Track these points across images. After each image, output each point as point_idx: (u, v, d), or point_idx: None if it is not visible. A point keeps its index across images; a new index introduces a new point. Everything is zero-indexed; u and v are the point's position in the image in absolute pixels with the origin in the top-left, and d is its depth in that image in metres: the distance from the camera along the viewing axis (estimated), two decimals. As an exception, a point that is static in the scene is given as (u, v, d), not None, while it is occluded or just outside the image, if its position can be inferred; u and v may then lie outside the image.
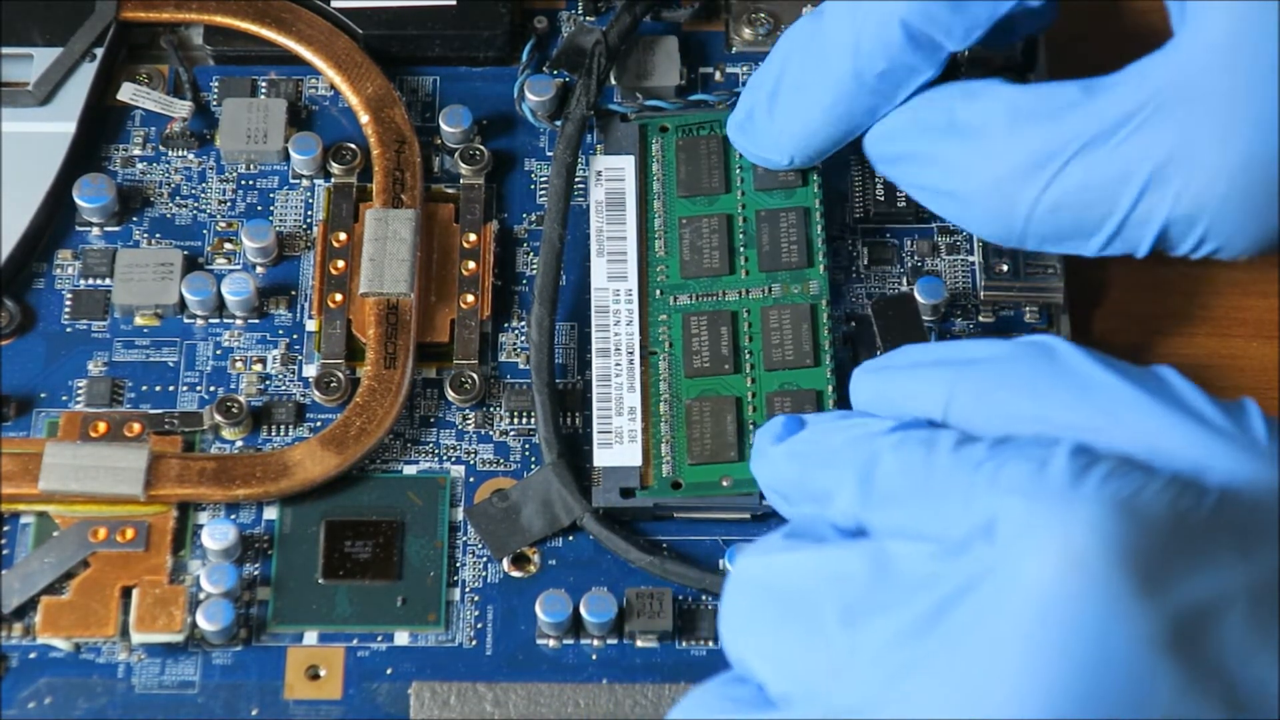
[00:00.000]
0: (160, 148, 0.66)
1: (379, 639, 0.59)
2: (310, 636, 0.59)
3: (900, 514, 0.51)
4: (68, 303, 0.64)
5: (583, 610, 0.59)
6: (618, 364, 0.62)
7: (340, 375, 0.62)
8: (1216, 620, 0.47)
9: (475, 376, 0.63)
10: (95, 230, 0.65)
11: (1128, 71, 0.55)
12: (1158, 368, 0.52)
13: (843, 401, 0.61)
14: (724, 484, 0.60)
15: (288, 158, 0.66)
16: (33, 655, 0.59)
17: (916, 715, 0.47)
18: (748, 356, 0.62)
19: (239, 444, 0.62)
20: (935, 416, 0.54)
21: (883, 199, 0.66)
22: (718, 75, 0.68)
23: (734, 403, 0.61)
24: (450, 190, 0.66)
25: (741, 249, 0.63)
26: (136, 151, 0.66)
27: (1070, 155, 0.56)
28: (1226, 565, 0.47)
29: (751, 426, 0.61)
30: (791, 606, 0.50)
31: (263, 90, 0.67)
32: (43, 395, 0.62)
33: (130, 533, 0.60)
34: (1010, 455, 0.49)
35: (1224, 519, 0.48)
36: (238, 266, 0.65)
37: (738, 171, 0.64)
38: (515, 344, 0.64)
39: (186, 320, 0.64)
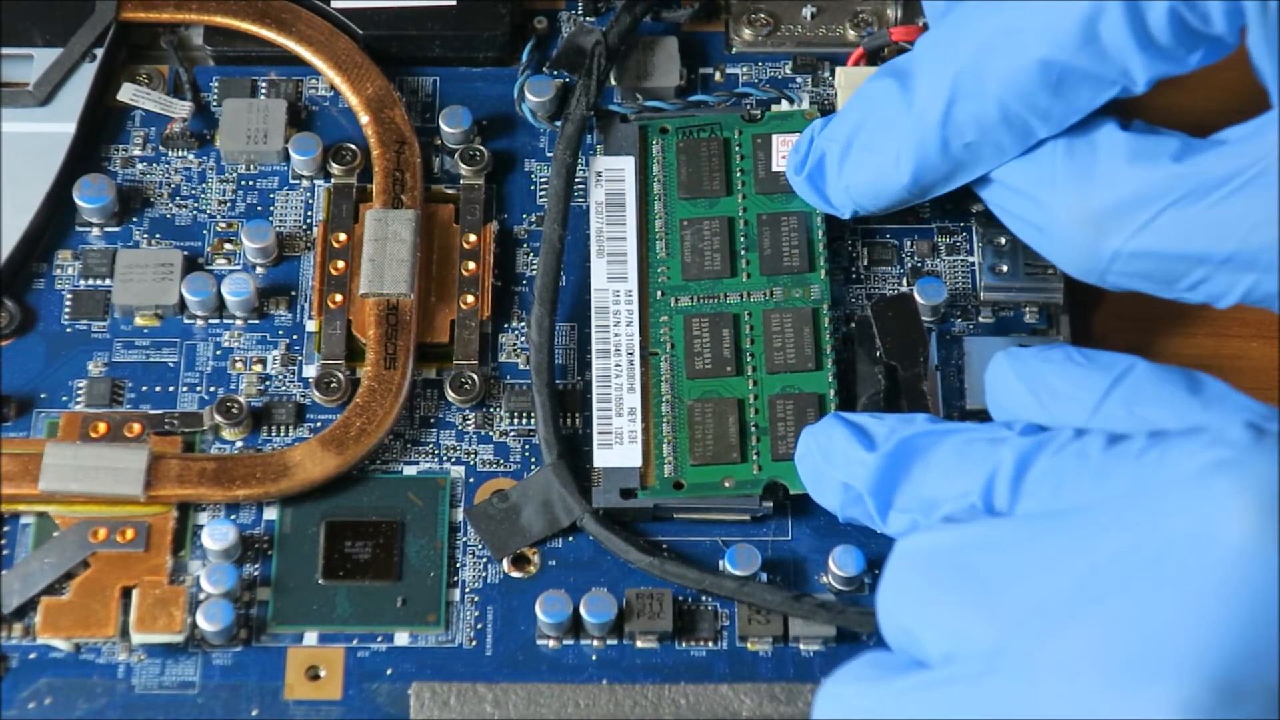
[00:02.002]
0: (160, 148, 0.66)
1: (379, 639, 0.59)
2: (310, 637, 0.59)
3: (1057, 508, 0.51)
4: (68, 303, 0.64)
5: (583, 611, 0.59)
6: (618, 365, 0.62)
7: (340, 376, 0.62)
8: None
9: (475, 377, 0.63)
10: (95, 230, 0.65)
11: (1233, 132, 0.55)
12: None
13: (845, 404, 0.61)
14: (726, 485, 0.60)
15: (288, 158, 0.66)
16: (33, 655, 0.59)
17: (1089, 654, 0.47)
18: (749, 359, 0.62)
19: (239, 444, 0.62)
20: (1079, 419, 0.54)
21: (883, 199, 0.66)
22: (718, 75, 0.68)
23: (736, 405, 0.61)
24: (450, 190, 0.66)
25: (743, 252, 0.63)
26: (136, 152, 0.66)
27: (1164, 206, 0.55)
28: None
29: (754, 429, 0.61)
30: (954, 572, 0.50)
31: (263, 90, 0.67)
32: (43, 395, 0.62)
33: (130, 533, 0.60)
34: (1173, 441, 0.49)
35: None
36: (238, 267, 0.65)
37: (739, 175, 0.65)
38: (515, 344, 0.64)
39: (186, 320, 0.64)
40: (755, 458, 0.60)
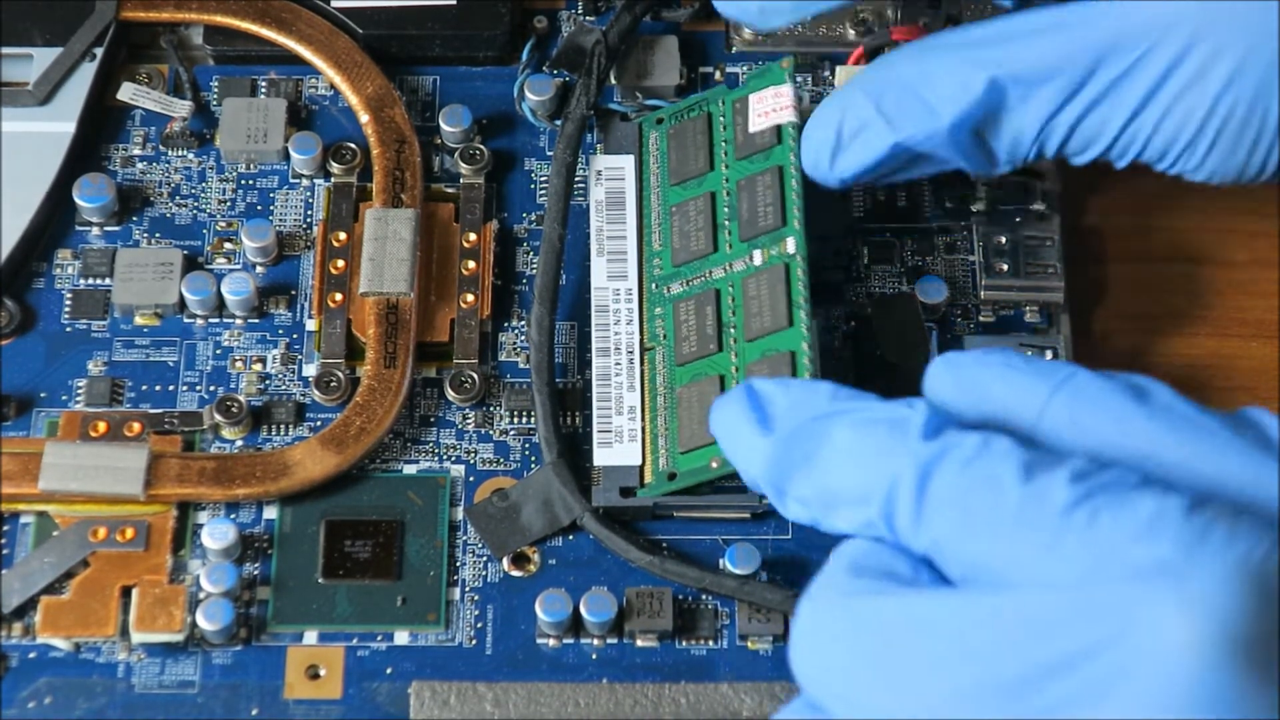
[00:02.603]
0: (160, 147, 0.66)
1: (379, 639, 0.59)
2: (310, 636, 0.59)
3: (969, 546, 0.49)
4: (68, 302, 0.64)
5: (583, 610, 0.59)
6: (617, 363, 0.62)
7: (340, 375, 0.62)
8: None
9: (475, 376, 0.63)
10: (95, 230, 0.65)
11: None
12: (1248, 411, 0.51)
13: (824, 368, 0.60)
14: (713, 466, 0.59)
15: (288, 157, 0.66)
16: (33, 655, 0.59)
17: None
18: (731, 331, 0.61)
19: (239, 444, 0.62)
20: (1022, 428, 0.52)
21: (883, 199, 0.66)
22: (718, 75, 0.68)
23: (718, 381, 0.60)
24: (450, 190, 0.66)
25: (725, 223, 0.63)
26: (136, 151, 0.66)
27: (1080, 77, 0.57)
28: None
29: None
30: (872, 653, 0.48)
31: (263, 90, 0.67)
32: (43, 395, 0.62)
33: (130, 532, 0.60)
34: (1104, 499, 0.47)
35: None
36: (238, 266, 0.65)
37: (722, 145, 0.64)
38: (515, 343, 0.64)
39: (186, 320, 0.64)
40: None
